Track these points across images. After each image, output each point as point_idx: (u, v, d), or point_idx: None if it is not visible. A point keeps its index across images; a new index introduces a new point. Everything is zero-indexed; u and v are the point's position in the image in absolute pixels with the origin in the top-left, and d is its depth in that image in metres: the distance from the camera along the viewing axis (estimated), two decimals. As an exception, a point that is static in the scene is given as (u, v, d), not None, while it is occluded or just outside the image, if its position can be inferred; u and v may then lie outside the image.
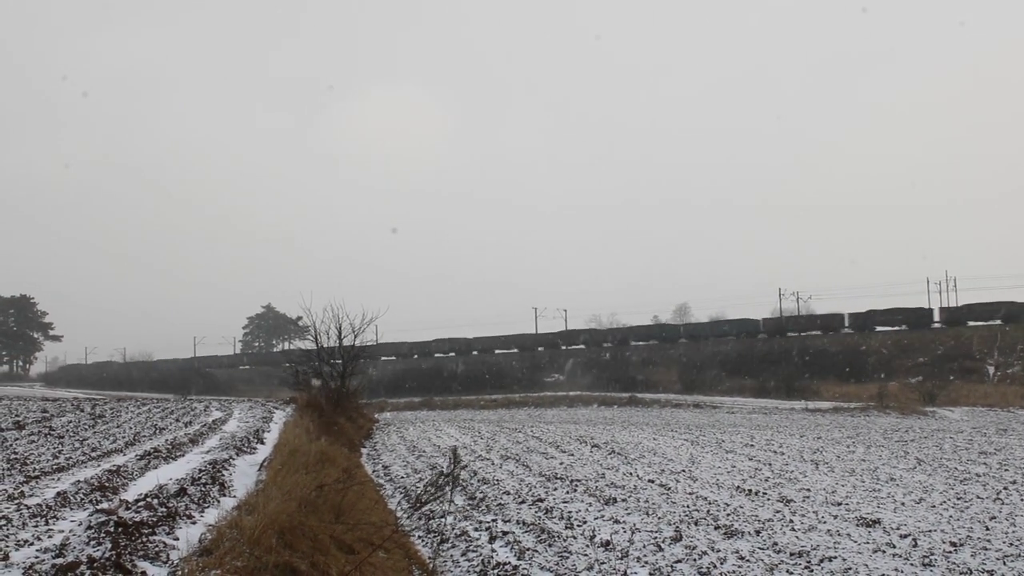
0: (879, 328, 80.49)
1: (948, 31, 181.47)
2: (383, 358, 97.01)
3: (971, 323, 76.71)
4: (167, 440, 21.93)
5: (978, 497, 16.68)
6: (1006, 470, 20.86)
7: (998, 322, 74.81)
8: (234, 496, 12.93)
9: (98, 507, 10.33)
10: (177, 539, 9.18)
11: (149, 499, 10.84)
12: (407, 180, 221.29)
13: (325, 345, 38.24)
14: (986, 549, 12.05)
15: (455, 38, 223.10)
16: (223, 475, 14.75)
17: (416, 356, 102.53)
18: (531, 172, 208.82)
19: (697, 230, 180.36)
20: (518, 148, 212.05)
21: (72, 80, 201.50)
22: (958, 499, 16.46)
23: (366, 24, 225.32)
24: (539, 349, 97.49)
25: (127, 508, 10.15)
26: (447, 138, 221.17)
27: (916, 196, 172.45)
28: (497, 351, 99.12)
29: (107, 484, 13.46)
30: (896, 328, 79.45)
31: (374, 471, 22.94)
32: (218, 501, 12.13)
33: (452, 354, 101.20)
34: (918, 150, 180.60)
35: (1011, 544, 12.35)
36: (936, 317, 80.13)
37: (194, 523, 10.32)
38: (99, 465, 16.95)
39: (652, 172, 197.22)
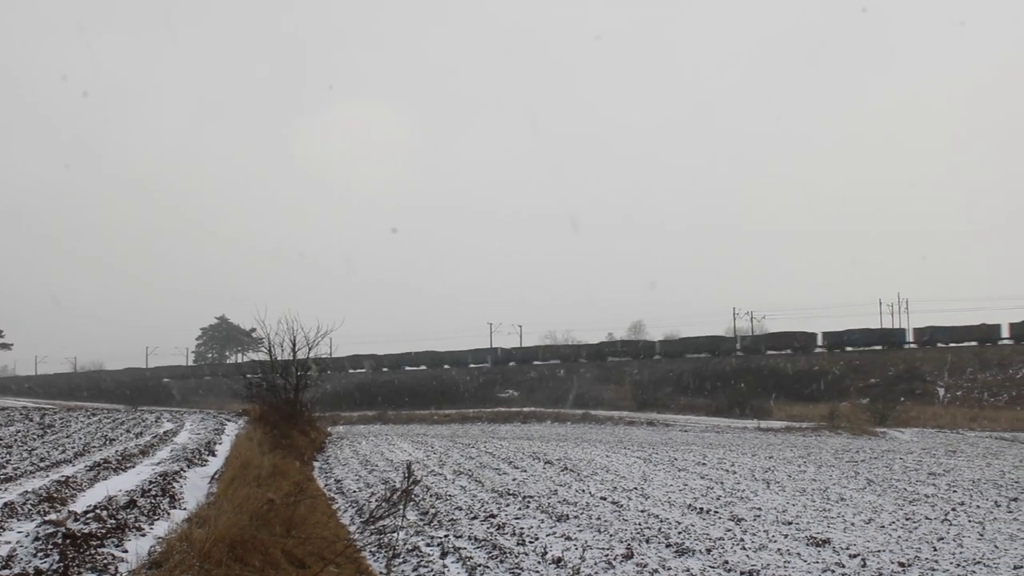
0: (849, 348, 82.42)
1: (949, 33, 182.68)
2: (337, 371, 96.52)
3: (939, 344, 78.61)
4: (117, 451, 21.73)
5: (927, 518, 16.88)
6: (954, 491, 21.12)
7: (952, 344, 76.62)
8: (185, 509, 12.85)
9: (46, 518, 10.24)
10: (126, 551, 9.11)
11: (98, 511, 10.75)
12: (367, 192, 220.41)
13: (279, 357, 38.00)
14: (933, 570, 12.19)
15: (415, 50, 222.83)
16: (174, 487, 14.65)
17: (371, 369, 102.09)
18: (488, 185, 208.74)
19: (651, 249, 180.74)
20: (474, 161, 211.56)
21: (72, 80, 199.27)
22: (907, 520, 16.65)
23: (339, 33, 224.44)
24: (494, 364, 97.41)
25: (75, 519, 10.06)
26: (408, 150, 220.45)
27: (877, 221, 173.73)
28: (451, 366, 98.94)
29: (55, 495, 13.30)
30: (866, 348, 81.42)
31: (326, 485, 22.81)
32: (168, 513, 12.05)
33: (407, 368, 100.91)
34: (876, 175, 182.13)
35: (958, 565, 12.51)
36: (910, 337, 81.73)
37: (144, 535, 10.25)
38: (48, 476, 16.77)
39: (606, 191, 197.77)
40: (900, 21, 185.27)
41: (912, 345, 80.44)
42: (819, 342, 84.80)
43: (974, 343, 76.67)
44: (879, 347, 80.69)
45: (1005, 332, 76.59)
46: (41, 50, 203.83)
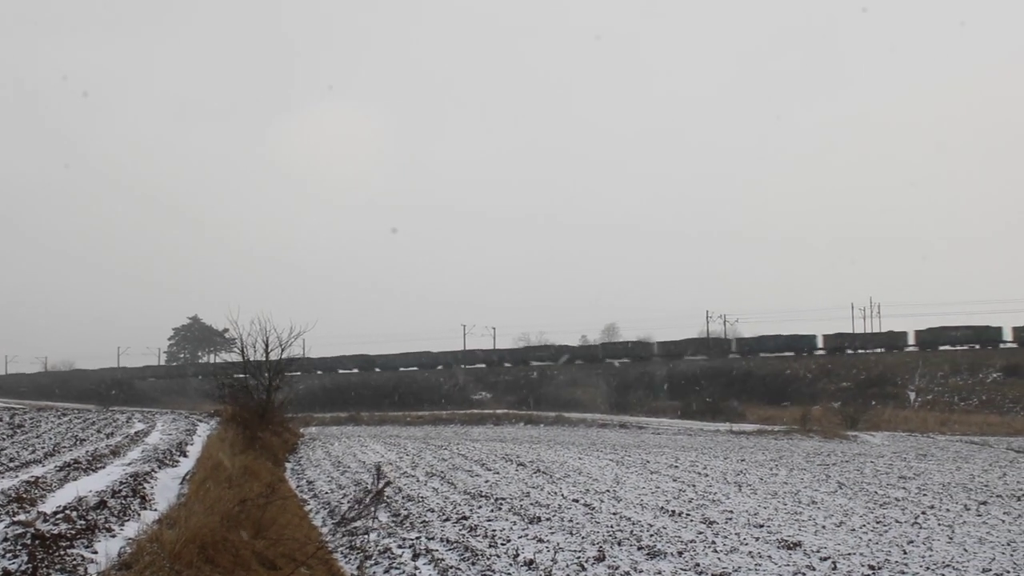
0: (763, 354, 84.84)
1: (949, 33, 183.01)
2: (310, 372, 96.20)
3: (848, 351, 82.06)
4: (88, 451, 21.59)
5: (897, 521, 17.00)
6: (924, 495, 21.27)
7: (862, 351, 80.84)
8: (155, 509, 12.79)
9: (15, 519, 10.17)
10: (96, 552, 9.06)
11: (68, 511, 10.69)
12: (349, 193, 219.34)
13: (252, 358, 37.83)
14: (903, 573, 12.29)
15: (396, 48, 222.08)
16: (144, 488, 14.58)
17: (343, 370, 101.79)
18: (467, 187, 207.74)
19: (626, 252, 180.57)
20: (451, 162, 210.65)
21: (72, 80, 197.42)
22: (877, 523, 16.76)
23: (311, 33, 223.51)
24: (467, 366, 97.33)
25: (45, 520, 10.00)
26: (382, 150, 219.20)
27: (875, 223, 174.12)
28: (424, 367, 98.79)
29: (25, 495, 13.20)
30: (778, 354, 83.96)
31: (298, 486, 22.74)
32: (139, 514, 11.98)
33: (379, 369, 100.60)
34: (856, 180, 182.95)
35: (927, 568, 12.61)
36: (819, 344, 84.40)
37: (114, 536, 10.19)
38: (17, 476, 16.63)
39: (580, 194, 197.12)
40: (900, 21, 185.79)
41: (821, 351, 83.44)
42: (733, 348, 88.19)
43: (881, 349, 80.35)
44: (790, 353, 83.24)
45: (911, 339, 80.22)
46: (41, 49, 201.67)
